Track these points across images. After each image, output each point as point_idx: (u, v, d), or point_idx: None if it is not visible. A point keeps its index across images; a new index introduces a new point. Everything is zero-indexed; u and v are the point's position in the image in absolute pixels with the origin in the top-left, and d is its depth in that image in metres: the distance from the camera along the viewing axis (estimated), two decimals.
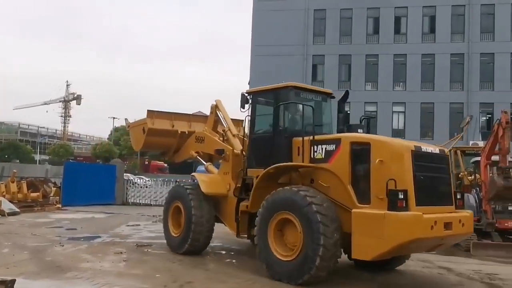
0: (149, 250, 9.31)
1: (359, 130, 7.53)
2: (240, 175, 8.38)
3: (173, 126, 10.40)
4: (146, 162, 64.47)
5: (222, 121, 9.90)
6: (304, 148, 7.27)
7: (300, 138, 7.38)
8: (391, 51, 37.58)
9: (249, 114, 8.40)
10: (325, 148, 7.07)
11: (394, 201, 5.96)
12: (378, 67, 37.58)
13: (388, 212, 5.92)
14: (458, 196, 7.11)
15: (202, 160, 10.02)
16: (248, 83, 40.32)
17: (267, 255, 6.89)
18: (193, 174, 9.55)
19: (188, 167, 27.42)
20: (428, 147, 6.83)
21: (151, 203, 22.30)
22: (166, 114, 10.56)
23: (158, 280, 6.68)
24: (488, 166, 10.86)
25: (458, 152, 14.80)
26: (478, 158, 12.15)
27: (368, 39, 38.51)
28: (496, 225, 10.54)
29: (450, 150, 15.22)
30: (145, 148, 10.97)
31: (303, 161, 7.24)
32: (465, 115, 35.68)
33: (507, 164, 10.11)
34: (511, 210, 10.63)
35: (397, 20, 38.19)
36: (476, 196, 11.42)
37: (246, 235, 8.13)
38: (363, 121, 8.00)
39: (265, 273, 7.20)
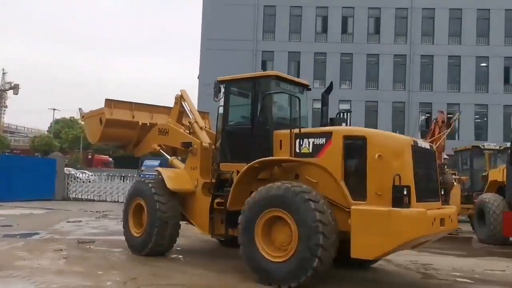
0: (91, 247, 8.98)
1: (343, 124, 7.30)
2: (213, 170, 7.81)
3: (133, 117, 9.63)
4: (90, 156, 62.26)
5: (188, 112, 9.32)
6: (288, 141, 6.83)
7: (284, 131, 6.96)
8: (338, 50, 38.56)
9: (222, 104, 7.75)
10: (313, 142, 6.68)
11: (400, 197, 5.79)
12: (326, 65, 38.44)
13: (393, 209, 5.69)
14: (442, 192, 7.10)
15: (165, 154, 9.40)
16: (198, 77, 39.92)
17: (254, 256, 6.29)
18: (157, 169, 8.76)
19: (135, 161, 26.70)
20: (422, 142, 6.76)
21: (94, 199, 21.57)
22: (126, 104, 9.75)
23: (100, 278, 6.44)
24: None
25: None
26: None
27: (316, 38, 39.27)
28: None
29: None
30: (103, 140, 10.14)
31: (289, 155, 6.74)
32: (407, 114, 37.45)
33: (442, 161, 10.69)
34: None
35: (344, 20, 39.24)
36: None
37: (222, 234, 7.57)
38: (341, 115, 7.66)
39: (214, 268, 7.19)
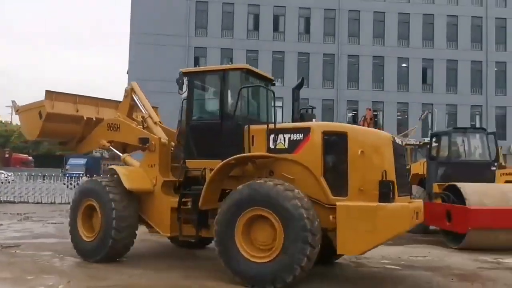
0: (17, 251, 8.39)
1: (313, 120, 7.19)
2: (180, 168, 7.35)
3: (77, 111, 8.75)
4: (7, 155, 57.96)
5: (140, 106, 8.71)
6: (261, 137, 6.60)
7: (257, 126, 6.73)
8: (270, 48, 39.20)
9: (186, 98, 7.30)
10: (289, 138, 6.49)
11: (387, 192, 5.87)
12: (258, 62, 38.92)
13: (381, 204, 5.74)
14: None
15: (116, 151, 8.74)
16: (127, 72, 38.65)
17: (234, 258, 6.01)
18: (111, 167, 8.13)
19: (57, 160, 25.40)
20: (397, 138, 6.82)
21: (15, 200, 20.19)
22: (70, 96, 8.83)
23: (31, 283, 6.05)
24: None
25: None
26: None
27: (249, 35, 39.64)
28: None
29: None
30: (42, 136, 9.02)
31: (264, 151, 6.53)
32: (335, 111, 39.01)
33: None
34: None
35: (276, 19, 39.98)
36: None
37: (192, 236, 7.11)
38: (306, 111, 7.46)
39: (156, 267, 7.03)
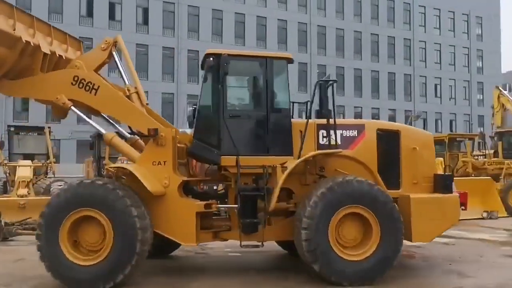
0: None
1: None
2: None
3: (14, 30, 5.97)
4: None
5: (122, 72, 6.90)
6: (311, 132, 6.45)
7: (303, 120, 6.47)
8: (105, 36, 37.06)
9: (221, 84, 6.33)
10: (342, 134, 6.55)
11: (449, 184, 6.59)
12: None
13: (446, 195, 6.48)
14: None
15: (85, 117, 6.67)
16: None
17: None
18: (121, 164, 6.57)
19: None
20: None
21: None
22: (6, 5, 6.01)
23: None
24: None
25: None
26: None
27: (81, 21, 36.89)
28: None
29: None
30: None
31: (315, 147, 6.41)
32: (175, 105, 39.03)
33: None
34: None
35: (112, 6, 38.07)
36: None
37: (259, 240, 6.25)
38: (326, 85, 6.84)
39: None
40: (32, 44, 6.11)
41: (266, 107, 6.47)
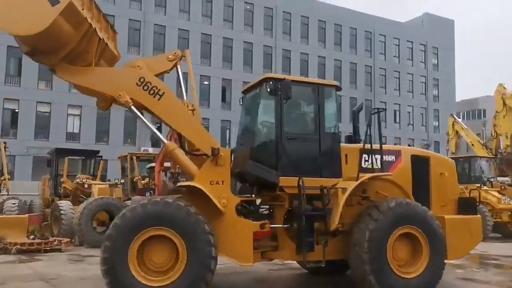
0: None
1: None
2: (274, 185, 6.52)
3: (83, 10, 5.80)
4: None
5: (182, 85, 6.92)
6: (354, 156, 6.90)
7: (350, 145, 7.14)
8: None
9: (280, 107, 6.58)
10: (381, 158, 6.96)
11: (475, 207, 7.51)
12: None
13: (474, 216, 7.28)
14: None
15: (147, 122, 6.42)
16: None
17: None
18: (187, 183, 6.28)
19: None
20: None
21: None
22: None
23: None
24: (161, 171, 12.14)
25: (134, 157, 15.90)
26: (152, 164, 13.40)
27: None
28: None
29: (126, 156, 16.24)
30: (50, 31, 5.42)
31: (358, 170, 6.62)
32: (139, 123, 38.38)
33: (177, 170, 11.61)
34: None
35: None
36: None
37: (320, 260, 6.51)
38: (374, 116, 7.17)
39: None
40: (92, 27, 5.95)
41: (319, 131, 6.82)
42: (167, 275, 5.60)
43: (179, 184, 6.74)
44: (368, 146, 6.84)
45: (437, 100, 54.74)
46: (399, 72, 52.51)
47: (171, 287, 5.55)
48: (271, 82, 6.62)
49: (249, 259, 6.12)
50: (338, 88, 7.22)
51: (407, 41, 53.34)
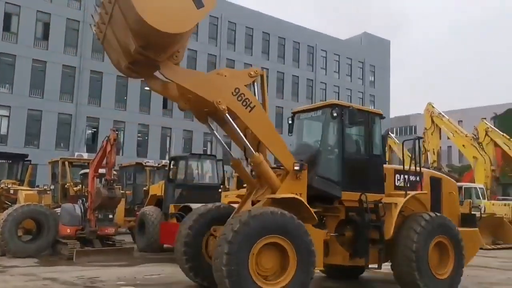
0: None
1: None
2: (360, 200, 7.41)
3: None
4: None
5: (266, 104, 7.22)
6: (390, 175, 8.12)
7: (387, 166, 8.39)
8: None
9: (343, 131, 7.56)
10: (409, 178, 8.10)
11: (474, 221, 9.10)
12: None
13: (472, 229, 8.68)
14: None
15: (240, 132, 6.69)
16: None
17: (429, 277, 7.16)
18: (290, 195, 6.58)
19: None
20: None
21: None
22: None
23: None
24: (95, 177, 11.67)
25: (66, 163, 15.15)
26: (86, 170, 12.83)
27: None
28: (98, 232, 11.41)
29: (57, 161, 15.43)
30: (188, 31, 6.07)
31: (393, 188, 8.06)
32: (73, 127, 36.75)
33: (112, 177, 11.21)
34: (111, 218, 11.73)
35: (8, 17, 35.28)
36: (81, 207, 11.97)
37: (379, 264, 7.57)
38: (415, 142, 8.37)
39: None
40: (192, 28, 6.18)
41: (370, 153, 7.86)
42: (278, 279, 6.09)
43: (280, 196, 6.72)
44: (400, 167, 8.31)
45: None
46: (338, 87, 54.43)
47: None
48: (337, 108, 7.55)
49: (320, 264, 6.79)
50: (382, 117, 8.28)
51: (347, 57, 55.51)
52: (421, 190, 8.14)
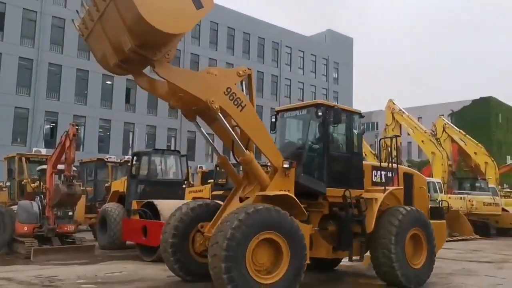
0: None
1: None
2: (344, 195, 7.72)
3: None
4: None
5: (254, 101, 7.38)
6: (368, 172, 8.49)
7: (366, 163, 8.72)
8: None
9: (327, 130, 7.81)
10: (385, 174, 8.65)
11: (442, 214, 9.78)
12: None
13: (440, 221, 9.29)
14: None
15: (231, 130, 6.80)
16: None
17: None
18: (281, 192, 6.86)
19: None
20: None
21: None
22: None
23: None
24: (53, 174, 11.30)
25: (23, 159, 14.62)
26: (44, 166, 12.41)
27: None
28: (57, 230, 11.06)
29: (14, 157, 14.85)
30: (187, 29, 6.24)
31: (371, 183, 8.45)
32: (30, 122, 35.42)
33: (72, 173, 10.88)
34: (70, 215, 11.39)
35: None
36: (39, 204, 11.58)
37: (361, 257, 7.89)
38: (392, 140, 9.40)
39: None
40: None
41: (351, 151, 8.17)
42: (272, 274, 6.25)
43: (273, 193, 6.85)
44: (377, 164, 8.95)
45: None
46: (303, 83, 55.03)
47: (278, 284, 6.22)
48: (322, 107, 7.80)
49: (307, 258, 6.88)
50: (362, 116, 8.58)
51: (311, 54, 56.16)
52: (397, 186, 8.60)
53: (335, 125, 7.77)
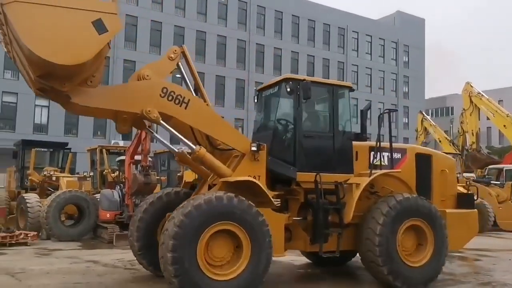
0: None
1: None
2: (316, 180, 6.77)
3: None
4: None
5: (189, 85, 6.91)
6: (364, 153, 7.33)
7: (361, 143, 7.36)
8: None
9: (298, 107, 6.90)
10: (388, 156, 7.32)
11: (472, 202, 8.00)
12: None
13: (469, 210, 7.84)
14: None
15: (177, 134, 6.23)
16: None
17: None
18: (245, 178, 6.19)
19: None
20: None
21: None
22: None
23: None
24: (131, 164, 12.00)
25: (104, 150, 15.62)
26: (123, 157, 13.20)
27: None
28: None
29: (96, 149, 15.93)
30: (93, 59, 5.25)
31: (368, 167, 7.11)
32: None
33: (148, 163, 11.50)
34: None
35: None
36: (119, 192, 12.38)
37: (334, 250, 6.89)
38: (382, 116, 7.63)
39: None
40: (109, 46, 5.56)
41: (333, 130, 7.15)
42: (231, 269, 5.72)
43: (234, 179, 6.29)
44: (374, 144, 7.40)
45: (407, 97, 55.92)
46: (370, 68, 53.32)
47: (239, 280, 5.67)
48: (290, 82, 6.92)
49: (281, 250, 6.38)
50: (351, 89, 7.51)
51: (379, 38, 54.18)
52: (400, 168, 7.44)
53: (306, 100, 6.81)
